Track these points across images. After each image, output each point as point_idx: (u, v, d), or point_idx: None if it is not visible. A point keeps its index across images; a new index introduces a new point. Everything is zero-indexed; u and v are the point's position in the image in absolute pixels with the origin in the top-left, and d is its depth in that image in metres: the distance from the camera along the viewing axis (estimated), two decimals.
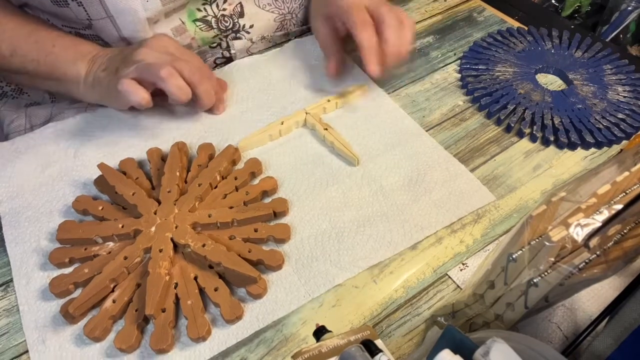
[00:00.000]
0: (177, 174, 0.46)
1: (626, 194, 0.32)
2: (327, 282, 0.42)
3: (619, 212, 0.31)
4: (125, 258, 0.41)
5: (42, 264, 0.43)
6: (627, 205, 0.31)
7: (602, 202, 0.31)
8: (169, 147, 0.50)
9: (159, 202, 0.45)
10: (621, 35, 0.81)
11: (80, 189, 0.48)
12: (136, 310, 0.38)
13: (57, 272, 0.42)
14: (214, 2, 0.57)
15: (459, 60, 0.64)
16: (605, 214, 0.31)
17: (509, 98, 0.58)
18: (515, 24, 0.69)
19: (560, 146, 0.54)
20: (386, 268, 0.43)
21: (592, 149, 0.54)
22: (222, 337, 0.39)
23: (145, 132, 0.54)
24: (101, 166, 0.47)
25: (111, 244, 0.43)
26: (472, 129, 0.56)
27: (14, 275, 0.42)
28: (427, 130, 0.55)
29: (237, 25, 0.60)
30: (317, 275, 0.42)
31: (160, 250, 0.41)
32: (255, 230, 0.43)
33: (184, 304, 0.39)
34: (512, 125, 0.55)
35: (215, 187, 0.47)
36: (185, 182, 0.47)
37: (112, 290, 0.40)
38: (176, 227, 0.43)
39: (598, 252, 0.31)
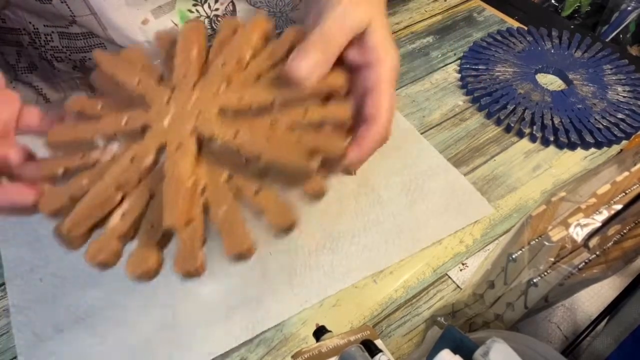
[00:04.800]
0: (194, 52, 0.35)
1: (626, 194, 0.32)
2: (320, 292, 0.42)
3: (618, 212, 0.31)
4: (133, 160, 0.31)
5: (36, 266, 0.43)
6: (627, 205, 0.31)
7: (602, 202, 0.31)
8: None
9: (172, 89, 0.34)
10: (621, 35, 0.81)
11: None
12: (152, 227, 0.30)
13: (52, 269, 0.42)
14: (205, 2, 0.57)
15: (459, 60, 0.64)
16: (605, 214, 0.31)
17: (509, 98, 0.58)
18: (515, 24, 0.69)
19: (560, 146, 0.54)
20: (386, 268, 0.43)
21: (592, 149, 0.54)
22: (220, 339, 0.39)
23: None
24: (97, 55, 0.36)
25: (115, 146, 0.33)
26: (472, 129, 0.56)
27: (6, 276, 0.42)
28: (427, 131, 0.55)
29: None
30: (310, 285, 0.42)
31: (178, 147, 0.31)
32: (305, 112, 0.32)
33: (215, 213, 0.29)
34: (512, 125, 0.55)
35: (246, 67, 0.35)
36: (205, 64, 0.35)
37: (120, 204, 0.31)
38: (198, 116, 0.32)
39: (598, 252, 0.31)
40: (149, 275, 0.29)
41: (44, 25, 0.53)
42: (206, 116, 0.32)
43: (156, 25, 0.54)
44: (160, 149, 0.31)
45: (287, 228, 0.29)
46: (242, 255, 0.29)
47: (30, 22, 0.53)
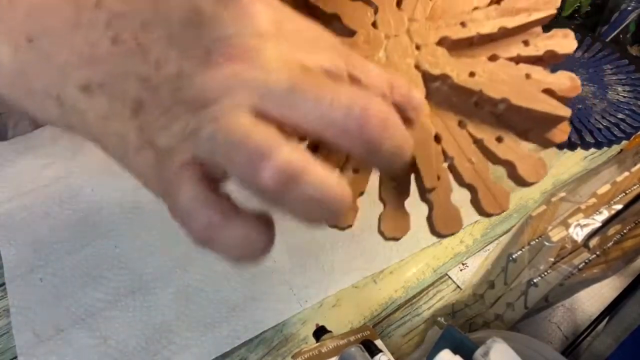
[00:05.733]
0: None
1: (626, 194, 0.32)
2: (320, 292, 0.42)
3: (618, 212, 0.31)
4: None
5: (36, 266, 0.43)
6: (627, 205, 0.31)
7: (602, 202, 0.31)
8: None
9: (372, 6, 0.28)
10: (621, 35, 0.81)
11: (77, 190, 0.48)
12: (394, 181, 0.26)
13: (52, 269, 0.42)
14: None
15: None
16: (605, 214, 0.31)
17: None
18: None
19: (560, 146, 0.54)
20: (386, 268, 0.43)
21: (592, 149, 0.54)
22: (220, 339, 0.39)
23: None
24: None
25: None
26: None
27: (6, 276, 0.42)
28: None
29: None
30: (310, 285, 0.42)
31: None
32: (526, 44, 0.27)
33: (460, 166, 0.25)
34: None
35: None
36: None
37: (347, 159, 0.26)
38: (417, 48, 0.26)
39: (598, 252, 0.31)
40: (403, 235, 0.25)
41: None
42: (429, 48, 0.26)
43: None
44: None
45: (537, 180, 0.25)
46: (502, 210, 0.25)
47: None
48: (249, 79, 0.15)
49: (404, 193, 0.25)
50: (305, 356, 0.33)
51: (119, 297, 0.41)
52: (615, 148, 0.54)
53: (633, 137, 0.54)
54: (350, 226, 0.25)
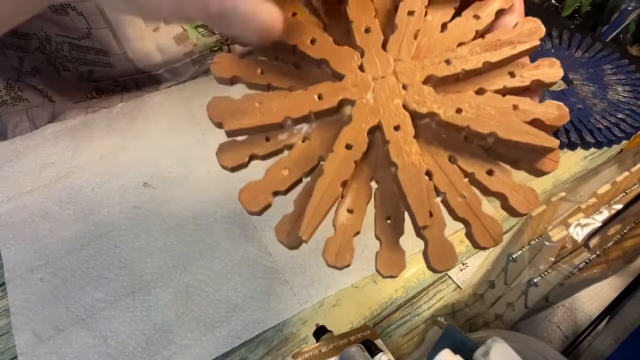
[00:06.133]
0: None
1: (626, 194, 0.32)
2: (320, 292, 0.42)
3: (618, 212, 0.31)
4: (349, 147, 0.26)
5: (36, 266, 0.43)
6: (627, 205, 0.31)
7: (602, 202, 0.31)
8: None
9: (359, 50, 0.28)
10: (621, 35, 0.81)
11: (77, 190, 0.48)
12: (390, 221, 0.27)
13: (52, 269, 0.42)
14: None
15: None
16: (605, 214, 0.31)
17: None
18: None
19: (560, 146, 0.54)
20: None
21: (592, 149, 0.54)
22: (220, 339, 0.39)
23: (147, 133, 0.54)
24: None
25: (305, 126, 0.28)
26: None
27: (6, 276, 0.42)
28: None
29: None
30: (310, 285, 0.42)
31: (396, 128, 0.27)
32: (512, 76, 0.28)
33: (452, 201, 0.26)
34: None
35: (425, 14, 0.30)
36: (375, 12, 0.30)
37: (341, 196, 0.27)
38: (404, 88, 0.27)
39: (598, 252, 0.31)
40: (400, 272, 0.26)
41: (56, 34, 0.54)
42: (415, 88, 0.27)
43: (166, 30, 0.55)
44: (372, 131, 0.27)
45: (529, 211, 0.26)
46: (496, 243, 0.25)
47: (42, 29, 0.54)
48: None
49: (399, 231, 0.26)
50: (305, 356, 0.33)
51: (119, 297, 0.41)
52: (615, 148, 0.54)
53: (633, 137, 0.54)
54: (349, 265, 0.25)
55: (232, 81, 0.29)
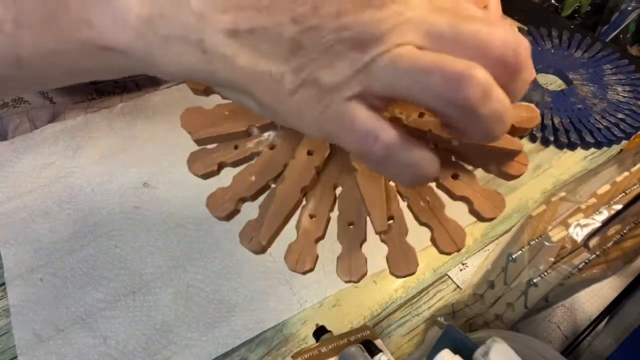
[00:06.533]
0: None
1: (626, 194, 0.32)
2: (320, 292, 0.42)
3: (618, 212, 0.31)
4: (310, 153, 0.27)
5: (36, 266, 0.43)
6: (627, 205, 0.31)
7: (602, 202, 0.31)
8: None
9: None
10: (621, 35, 0.81)
11: (77, 190, 0.48)
12: (351, 226, 0.27)
13: (52, 269, 0.42)
14: None
15: None
16: (605, 214, 0.31)
17: None
18: (515, 24, 0.69)
19: (560, 146, 0.54)
20: (386, 268, 0.43)
21: (592, 149, 0.54)
22: (220, 339, 0.39)
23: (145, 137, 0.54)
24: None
25: (272, 134, 0.28)
26: None
27: (6, 276, 0.42)
28: None
29: None
30: (310, 285, 0.42)
31: None
32: None
33: (415, 206, 0.26)
34: None
35: None
36: None
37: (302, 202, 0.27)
38: None
39: (598, 252, 0.31)
40: (362, 279, 0.27)
41: None
42: None
43: None
44: None
45: (494, 216, 0.25)
46: (458, 249, 0.25)
47: None
48: (413, 18, 0.17)
49: (360, 236, 0.26)
50: (305, 356, 0.33)
51: (119, 297, 0.41)
52: (615, 148, 0.54)
53: (633, 137, 0.54)
54: (310, 270, 0.26)
55: (207, 92, 0.29)
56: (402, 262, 0.26)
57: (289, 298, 0.41)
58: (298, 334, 0.40)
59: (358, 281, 0.26)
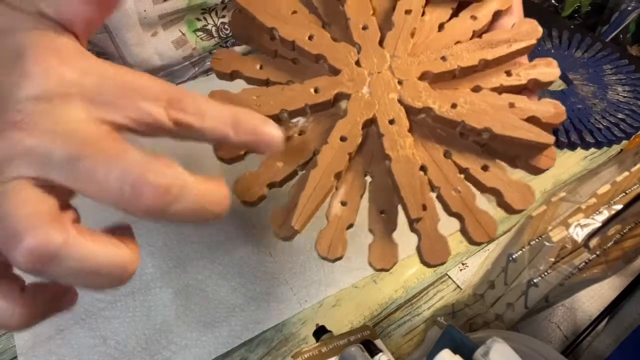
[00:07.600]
0: None
1: (626, 194, 0.32)
2: (320, 292, 0.42)
3: (618, 212, 0.31)
4: (343, 139, 0.26)
5: None
6: (627, 205, 0.31)
7: (602, 202, 0.31)
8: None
9: (356, 46, 0.28)
10: (621, 35, 0.81)
11: None
12: (382, 214, 0.27)
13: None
14: (212, 10, 0.57)
15: None
16: (605, 214, 0.31)
17: None
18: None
19: (560, 146, 0.54)
20: None
21: (592, 149, 0.54)
22: (220, 339, 0.39)
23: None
24: None
25: (301, 120, 0.28)
26: None
27: None
28: None
29: None
30: (310, 285, 0.42)
31: (391, 122, 0.26)
32: (508, 74, 0.28)
33: (447, 196, 0.26)
34: None
35: (423, 14, 0.29)
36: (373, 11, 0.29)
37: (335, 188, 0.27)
38: (399, 83, 0.27)
39: (598, 252, 0.31)
40: (393, 267, 0.26)
41: None
42: (410, 83, 0.27)
43: (165, 35, 0.55)
44: (366, 124, 0.27)
45: (525, 208, 0.25)
46: (490, 239, 0.25)
47: None
48: (28, 148, 0.16)
49: (392, 224, 0.26)
50: (305, 356, 0.33)
51: (119, 297, 0.41)
52: (615, 148, 0.54)
53: (633, 137, 0.54)
54: (341, 257, 0.26)
55: (232, 76, 0.29)
56: (435, 250, 0.25)
57: (289, 298, 0.41)
58: (298, 334, 0.40)
59: (390, 269, 0.26)
